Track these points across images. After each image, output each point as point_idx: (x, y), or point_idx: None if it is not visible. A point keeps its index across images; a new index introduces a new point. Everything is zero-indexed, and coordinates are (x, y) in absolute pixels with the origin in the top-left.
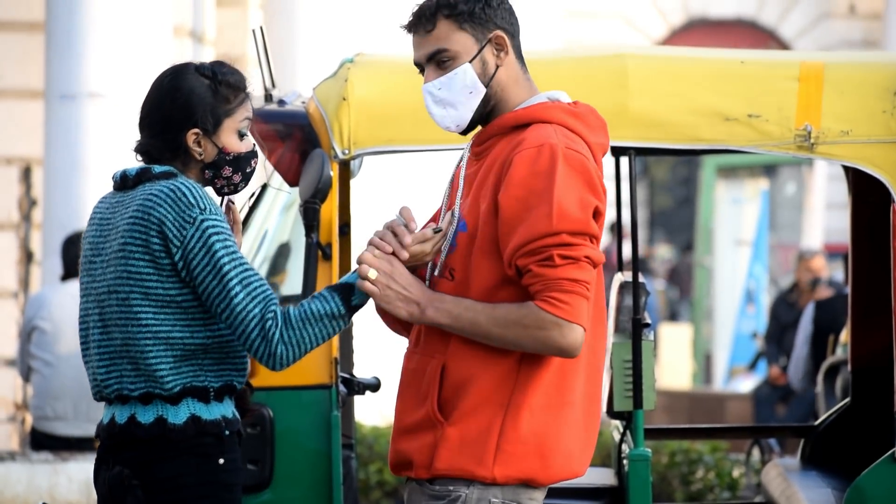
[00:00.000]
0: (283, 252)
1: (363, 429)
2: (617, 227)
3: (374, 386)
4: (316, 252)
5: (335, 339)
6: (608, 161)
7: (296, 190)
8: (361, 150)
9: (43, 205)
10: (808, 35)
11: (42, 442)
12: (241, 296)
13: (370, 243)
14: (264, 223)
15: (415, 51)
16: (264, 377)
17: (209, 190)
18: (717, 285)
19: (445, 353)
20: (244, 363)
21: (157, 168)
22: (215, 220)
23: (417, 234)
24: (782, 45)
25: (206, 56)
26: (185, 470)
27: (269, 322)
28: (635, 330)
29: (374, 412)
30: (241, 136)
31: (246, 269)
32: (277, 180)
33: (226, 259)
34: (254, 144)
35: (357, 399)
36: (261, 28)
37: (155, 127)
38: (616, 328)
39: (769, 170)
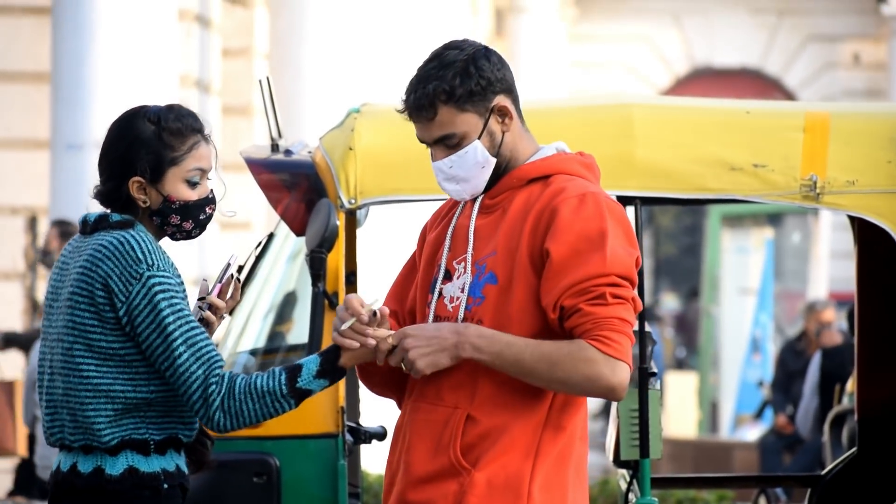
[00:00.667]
0: (289, 301)
1: (369, 477)
2: None
3: (381, 435)
4: (322, 301)
5: (341, 388)
6: None
7: (292, 234)
8: (368, 199)
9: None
10: (812, 84)
11: (45, 489)
12: (185, 356)
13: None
14: (270, 272)
15: (418, 131)
16: (270, 426)
17: (167, 241)
18: (722, 334)
19: (471, 404)
20: (193, 416)
21: (116, 216)
22: (162, 276)
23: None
24: (787, 94)
25: (213, 106)
26: None
27: (213, 387)
28: (642, 379)
29: (381, 461)
30: (192, 184)
31: (192, 329)
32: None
33: (171, 318)
34: (211, 191)
35: (363, 448)
36: (267, 78)
37: (103, 173)
38: None
39: (774, 219)
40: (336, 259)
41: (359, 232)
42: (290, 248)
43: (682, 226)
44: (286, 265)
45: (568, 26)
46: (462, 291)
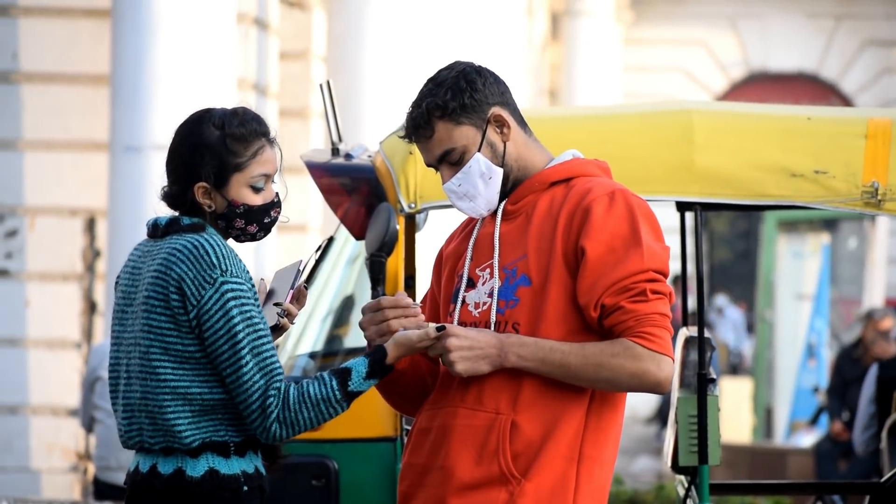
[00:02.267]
0: (347, 305)
1: None
2: (682, 282)
3: None
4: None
5: None
6: (675, 215)
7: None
8: (427, 203)
9: (107, 256)
10: (869, 89)
11: (104, 492)
12: (250, 364)
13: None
14: (330, 276)
15: (422, 155)
16: (329, 429)
17: (234, 244)
18: (778, 339)
19: (513, 409)
20: None
21: (186, 220)
22: (236, 282)
23: (421, 332)
24: (843, 98)
25: (270, 109)
26: None
27: (272, 398)
28: (701, 385)
29: None
30: (257, 189)
31: (260, 337)
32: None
33: (241, 325)
34: (276, 194)
35: None
36: (327, 82)
37: (170, 176)
38: (681, 383)
39: (830, 224)
40: (395, 263)
41: (418, 236)
42: (350, 252)
43: (736, 230)
44: (345, 269)
45: (623, 30)
46: (490, 297)
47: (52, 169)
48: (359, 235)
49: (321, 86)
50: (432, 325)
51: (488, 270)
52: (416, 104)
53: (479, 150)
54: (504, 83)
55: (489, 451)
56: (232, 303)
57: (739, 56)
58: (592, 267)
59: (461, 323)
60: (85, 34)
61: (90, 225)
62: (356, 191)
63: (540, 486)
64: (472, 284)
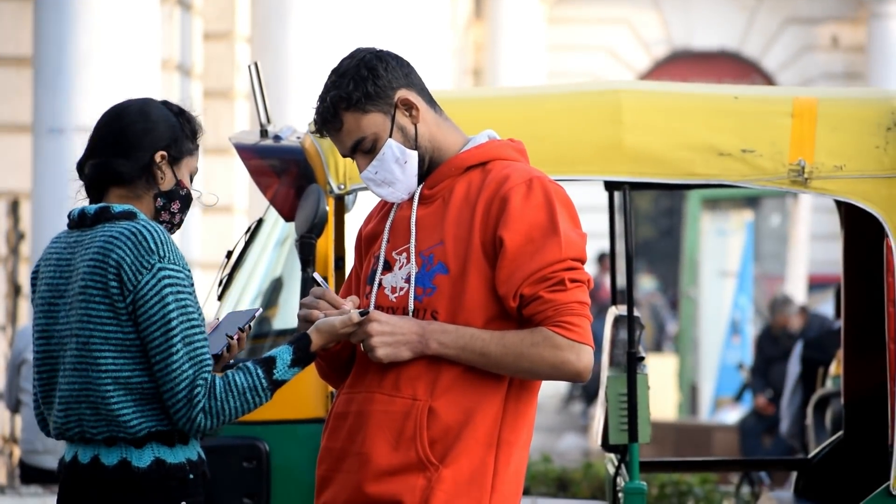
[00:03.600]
0: (277, 286)
1: None
2: (610, 260)
3: None
4: (311, 286)
5: None
6: (602, 194)
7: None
8: (356, 185)
9: (31, 238)
10: (791, 67)
11: (31, 475)
12: (180, 353)
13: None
14: (259, 258)
15: (338, 147)
16: (259, 411)
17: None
18: (702, 316)
19: (431, 395)
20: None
21: (117, 207)
22: (173, 269)
23: (344, 317)
24: (765, 76)
25: (195, 90)
26: None
27: (199, 389)
28: (630, 364)
29: None
30: (192, 178)
31: (192, 327)
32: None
33: (175, 313)
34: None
35: None
36: (255, 64)
37: (120, 146)
38: (611, 362)
39: (753, 201)
40: (325, 244)
41: (347, 217)
42: (279, 234)
43: (660, 208)
44: (274, 251)
45: (547, 9)
46: (407, 282)
47: None
48: (288, 217)
49: (249, 67)
50: (355, 311)
51: (405, 255)
52: (322, 98)
53: (390, 136)
54: (408, 65)
55: (406, 437)
56: (168, 290)
57: (662, 34)
58: (511, 257)
59: (378, 305)
60: (6, 15)
61: (14, 207)
62: (285, 172)
63: (458, 472)
64: (388, 267)
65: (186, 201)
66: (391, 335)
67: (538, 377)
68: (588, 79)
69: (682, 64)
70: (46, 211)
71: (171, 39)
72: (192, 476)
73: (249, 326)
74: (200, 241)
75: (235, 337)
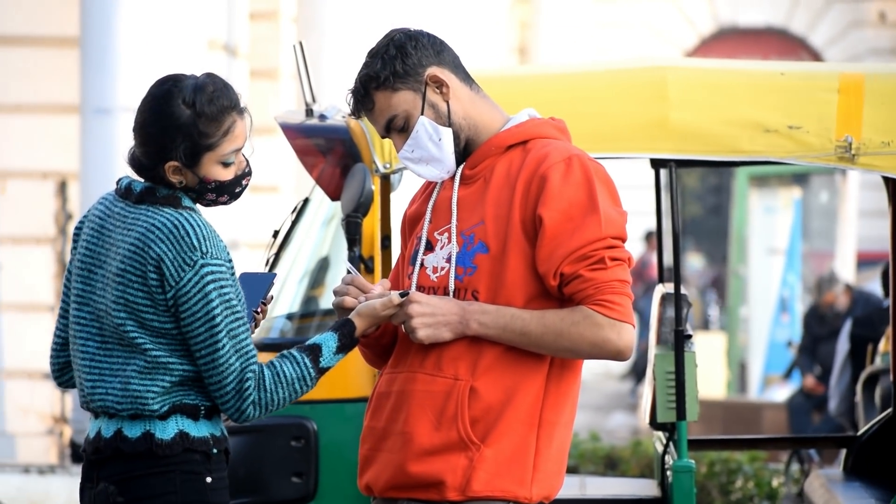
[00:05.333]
0: (323, 266)
1: None
2: (657, 239)
3: None
4: (358, 265)
5: None
6: (649, 172)
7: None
8: (402, 164)
9: (79, 218)
10: (838, 43)
11: (82, 454)
12: (226, 347)
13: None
14: (305, 238)
15: (375, 128)
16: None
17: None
18: (751, 294)
19: (472, 375)
20: None
21: (163, 190)
22: (216, 264)
23: (385, 299)
24: (812, 53)
25: (240, 70)
26: (170, 487)
27: (248, 382)
28: (678, 342)
29: None
30: (227, 164)
31: (236, 320)
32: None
33: (219, 309)
34: (246, 163)
35: None
36: (300, 43)
37: (141, 145)
38: (658, 340)
39: (801, 178)
40: (371, 223)
41: (393, 196)
42: (325, 213)
43: (707, 186)
44: (321, 230)
45: None
46: (448, 262)
47: (23, 132)
48: (334, 196)
49: (294, 47)
50: (395, 293)
51: (446, 235)
52: (355, 80)
53: (422, 114)
54: (441, 43)
55: (448, 416)
56: (211, 286)
57: (709, 11)
58: (550, 235)
59: (419, 286)
60: None
61: (62, 188)
62: (331, 151)
63: (499, 451)
64: (430, 248)
65: (221, 188)
66: (432, 316)
67: (579, 356)
68: (634, 57)
69: (728, 41)
70: (94, 191)
71: (217, 19)
72: (215, 451)
73: (272, 297)
74: (247, 220)
75: (259, 310)
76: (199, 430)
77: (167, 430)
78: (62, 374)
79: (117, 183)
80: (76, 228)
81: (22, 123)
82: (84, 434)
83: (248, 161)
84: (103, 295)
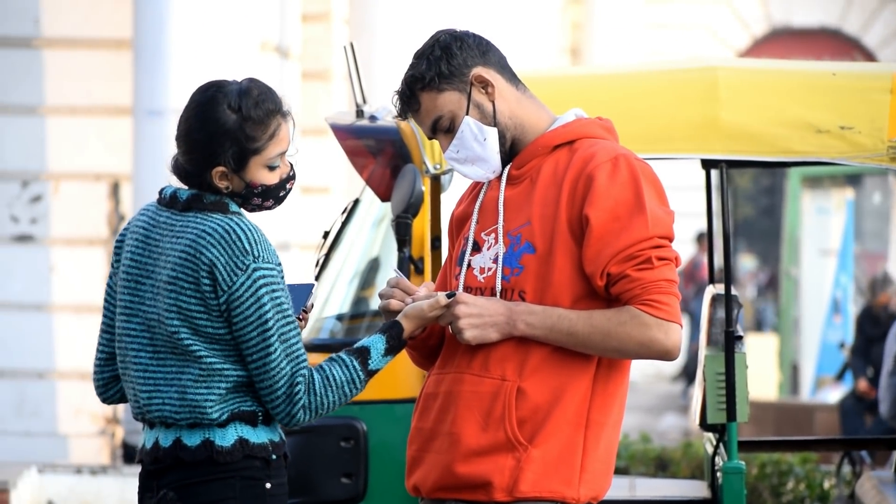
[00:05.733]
0: (373, 266)
1: None
2: (708, 239)
3: None
4: (408, 266)
5: None
6: (700, 172)
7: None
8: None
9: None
10: (891, 44)
11: (133, 455)
12: (277, 351)
13: (409, 310)
14: (356, 238)
15: (422, 129)
16: None
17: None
18: (803, 295)
19: (519, 376)
20: None
21: (210, 197)
22: (267, 268)
23: (432, 301)
24: (866, 54)
25: (292, 72)
26: (231, 493)
27: (299, 386)
28: (728, 343)
29: None
30: (273, 168)
31: (287, 324)
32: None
33: (271, 313)
34: (290, 166)
35: None
36: (351, 45)
37: (186, 153)
38: (708, 341)
39: (854, 179)
40: (421, 224)
41: (443, 197)
42: (376, 214)
43: (760, 187)
44: (371, 231)
45: None
46: (495, 262)
47: (76, 134)
48: (384, 197)
49: (345, 48)
50: (442, 294)
51: (493, 235)
52: (401, 81)
53: (467, 114)
54: (487, 44)
55: (495, 417)
56: (264, 290)
57: (762, 12)
58: (597, 235)
59: (466, 287)
60: None
61: (114, 189)
62: (381, 152)
63: (547, 452)
64: (477, 248)
65: (267, 193)
66: (479, 317)
67: (626, 356)
68: (685, 57)
69: (781, 42)
70: (146, 193)
71: (269, 20)
72: (274, 457)
73: (312, 304)
74: (298, 221)
75: (301, 318)
76: (258, 436)
77: (227, 437)
78: (107, 389)
79: (160, 193)
80: (118, 241)
81: (75, 125)
82: (136, 434)
83: (292, 165)
84: (154, 304)
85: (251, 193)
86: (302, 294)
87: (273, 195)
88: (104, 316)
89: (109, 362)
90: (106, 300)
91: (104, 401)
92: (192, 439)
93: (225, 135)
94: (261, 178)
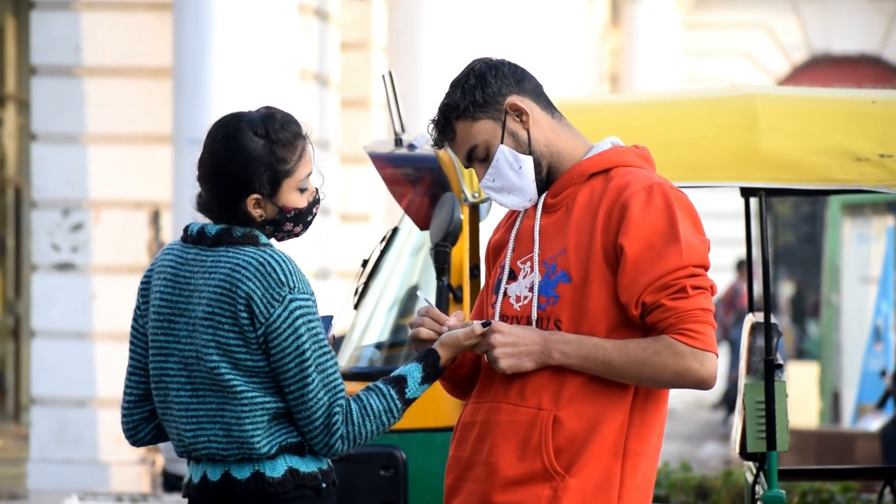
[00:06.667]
0: (412, 295)
1: None
2: (747, 267)
3: None
4: (447, 295)
5: None
6: (739, 200)
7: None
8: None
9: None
10: None
11: (174, 483)
12: (315, 382)
13: (443, 340)
14: (394, 267)
15: (457, 157)
16: None
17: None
18: (844, 323)
19: (556, 405)
20: None
21: (239, 230)
22: (303, 299)
23: (467, 329)
24: None
25: (331, 100)
26: None
27: (337, 416)
28: (768, 371)
29: None
30: (302, 190)
31: (324, 353)
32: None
33: (308, 343)
34: (315, 190)
35: None
36: (389, 73)
37: (212, 189)
38: (748, 369)
39: (895, 207)
40: (460, 252)
41: (482, 225)
42: (414, 242)
43: (800, 214)
44: (410, 259)
45: (684, 14)
46: (531, 291)
47: (117, 162)
48: (423, 226)
49: (384, 76)
50: (477, 323)
51: (529, 263)
52: (437, 110)
53: (501, 142)
54: (523, 72)
55: (532, 446)
56: (300, 320)
57: (801, 39)
58: (632, 264)
59: (503, 315)
60: (146, 27)
61: (155, 217)
62: (420, 181)
63: (584, 481)
64: (513, 276)
65: (298, 217)
66: (514, 346)
67: (662, 385)
68: (723, 84)
69: (821, 69)
70: (186, 221)
71: (309, 49)
72: (324, 485)
73: (333, 336)
74: (337, 249)
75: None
76: (307, 465)
77: (277, 469)
78: (137, 431)
79: (186, 230)
80: (143, 282)
81: (115, 154)
82: (176, 463)
83: (317, 189)
84: (190, 341)
85: (284, 219)
86: (322, 326)
87: (303, 220)
88: (131, 358)
89: (138, 404)
90: (132, 342)
91: (134, 443)
92: (242, 472)
93: (257, 160)
94: (293, 201)
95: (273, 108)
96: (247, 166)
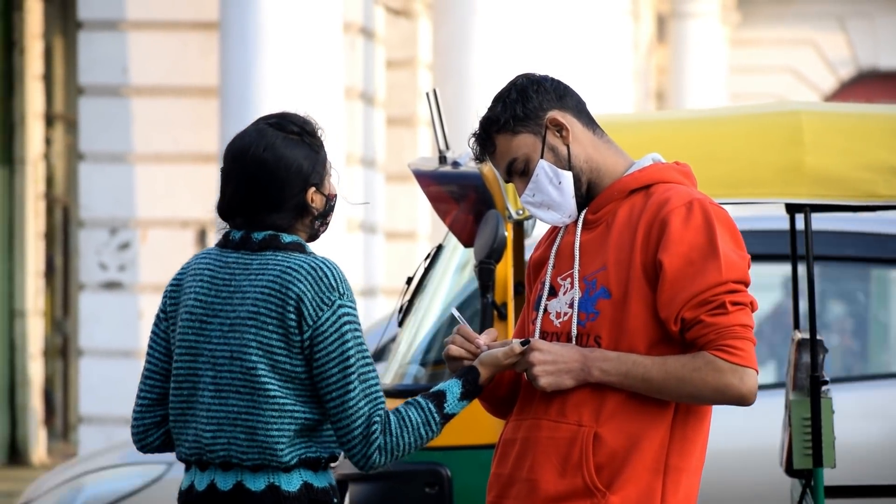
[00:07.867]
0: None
1: None
2: (793, 284)
3: None
4: (492, 312)
5: None
6: (784, 217)
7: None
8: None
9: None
10: None
11: None
12: (357, 390)
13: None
14: (439, 284)
15: (498, 171)
16: (441, 436)
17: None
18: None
19: (596, 421)
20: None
21: (287, 237)
22: (351, 306)
23: (506, 348)
24: None
25: (377, 118)
26: None
27: (376, 426)
28: (814, 388)
29: None
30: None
31: (367, 364)
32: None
33: (353, 351)
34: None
35: None
36: (434, 91)
37: (278, 191)
38: (794, 386)
39: None
40: (504, 270)
41: (526, 242)
42: (459, 260)
43: None
44: (454, 276)
45: (730, 31)
46: (571, 307)
47: (163, 181)
48: (467, 243)
49: (428, 94)
50: (516, 342)
51: (569, 280)
52: (478, 124)
53: (541, 157)
54: (565, 88)
55: (573, 463)
56: (347, 326)
57: (848, 55)
58: (671, 280)
59: (543, 332)
60: (193, 47)
61: (201, 236)
62: (464, 198)
63: (625, 498)
64: (553, 293)
65: (334, 203)
66: (553, 364)
67: (702, 402)
68: (768, 100)
69: (868, 85)
70: None
71: (354, 67)
72: (335, 500)
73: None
74: (383, 267)
75: None
76: (320, 480)
77: (292, 482)
78: (147, 435)
79: (226, 237)
80: (173, 285)
81: (162, 173)
82: None
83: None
84: (223, 342)
85: (330, 207)
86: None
87: (332, 209)
88: (148, 362)
89: (151, 408)
90: (151, 346)
91: (142, 448)
92: (257, 483)
93: (303, 156)
94: (331, 187)
95: (275, 113)
96: (304, 163)
